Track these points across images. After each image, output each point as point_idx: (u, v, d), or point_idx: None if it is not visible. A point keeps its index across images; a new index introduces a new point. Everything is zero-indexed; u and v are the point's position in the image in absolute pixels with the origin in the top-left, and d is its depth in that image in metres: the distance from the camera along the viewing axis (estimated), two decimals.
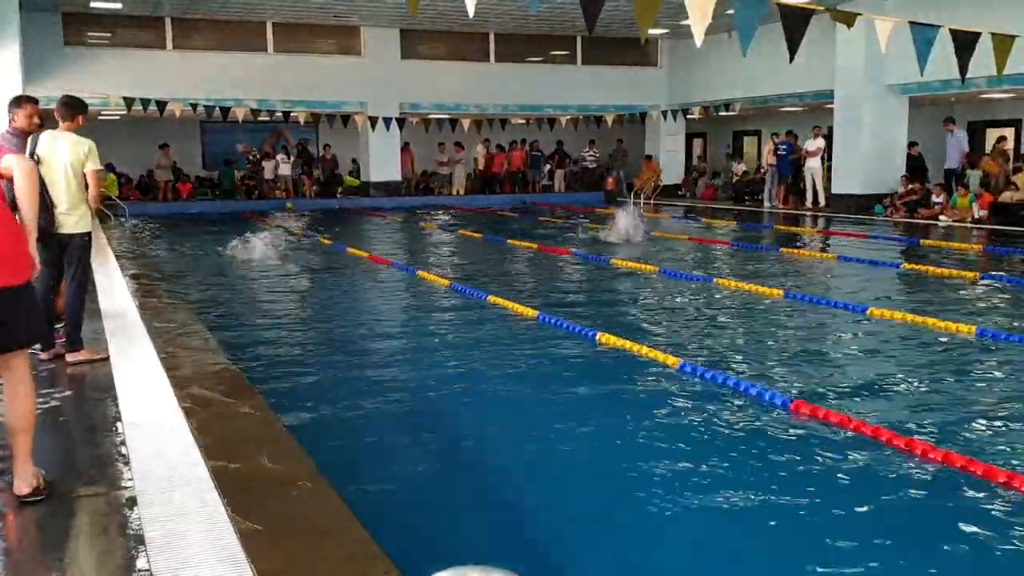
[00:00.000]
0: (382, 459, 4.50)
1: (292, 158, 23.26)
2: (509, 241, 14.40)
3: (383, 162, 22.91)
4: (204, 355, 5.53)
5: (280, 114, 20.75)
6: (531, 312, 7.89)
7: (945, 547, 3.47)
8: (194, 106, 19.39)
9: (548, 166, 25.79)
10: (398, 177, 23.36)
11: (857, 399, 5.39)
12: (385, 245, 14.79)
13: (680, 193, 24.34)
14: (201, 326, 6.46)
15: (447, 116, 22.76)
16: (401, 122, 22.03)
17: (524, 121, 25.34)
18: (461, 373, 6.05)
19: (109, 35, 20.24)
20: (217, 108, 19.68)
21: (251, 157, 23.69)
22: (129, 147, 22.44)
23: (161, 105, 18.16)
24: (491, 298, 8.69)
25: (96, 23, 20.05)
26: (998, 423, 4.92)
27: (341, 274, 9.45)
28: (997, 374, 5.98)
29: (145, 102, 17.71)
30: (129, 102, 17.46)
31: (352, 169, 24.26)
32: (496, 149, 25.04)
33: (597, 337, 6.87)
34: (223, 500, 3.19)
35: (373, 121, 21.41)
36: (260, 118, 21.09)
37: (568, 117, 22.79)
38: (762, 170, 21.62)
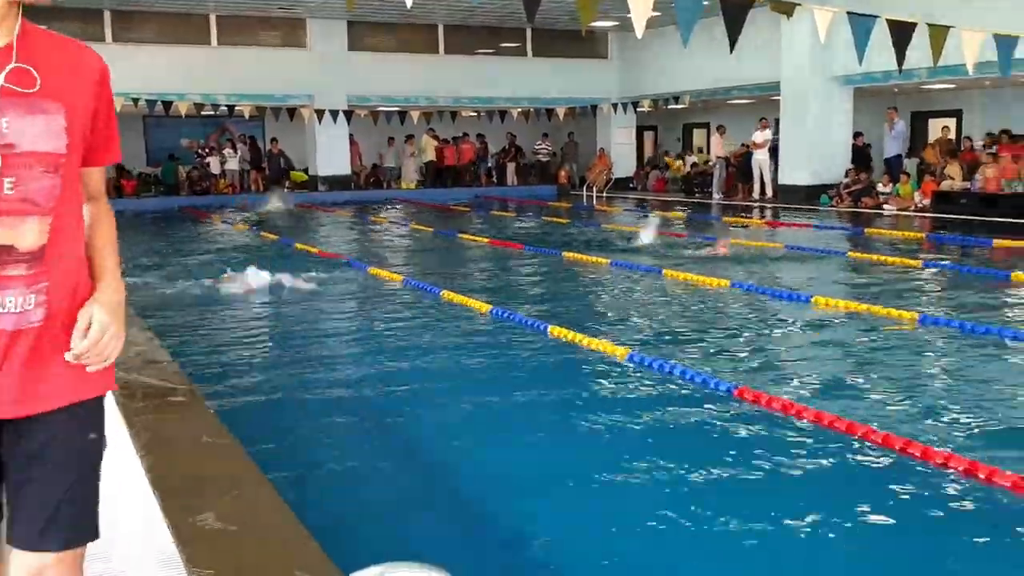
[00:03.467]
0: (327, 456, 4.43)
1: (238, 153, 22.92)
2: (461, 236, 14.34)
3: (331, 156, 22.69)
4: (143, 349, 5.41)
5: (225, 108, 20.44)
6: (484, 306, 7.87)
7: (886, 527, 3.52)
8: (135, 100, 19.00)
9: (492, 160, 25.64)
10: (347, 171, 23.15)
11: (800, 385, 5.47)
12: (335, 240, 14.63)
13: (632, 186, 24.48)
14: (139, 320, 6.32)
15: (396, 109, 22.63)
16: (349, 115, 21.85)
17: (475, 114, 25.28)
18: (413, 368, 6.00)
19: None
20: (159, 102, 19.33)
21: (197, 152, 23.30)
22: None
23: None
24: (444, 293, 8.65)
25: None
26: (938, 407, 5.02)
27: (289, 271, 9.32)
28: (937, 359, 6.10)
29: None
30: None
31: (295, 166, 23.91)
32: (449, 141, 24.89)
33: (549, 330, 6.87)
34: (159, 502, 3.11)
35: (320, 114, 21.21)
36: (205, 112, 20.78)
37: (519, 110, 22.79)
38: (710, 162, 21.82)
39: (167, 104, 19.60)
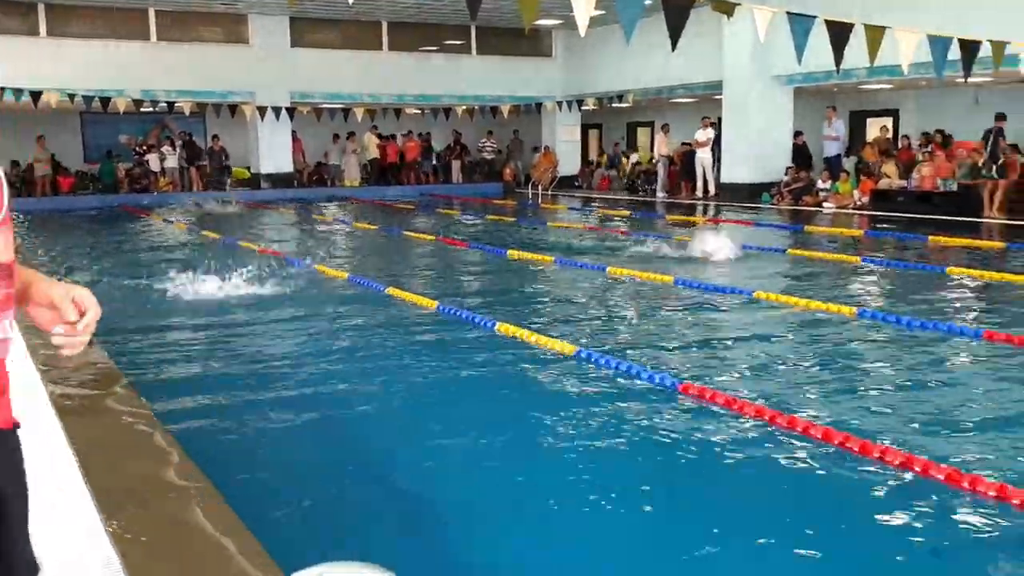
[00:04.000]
0: (269, 456, 4.36)
1: (177, 150, 22.47)
2: (406, 233, 14.26)
3: (274, 153, 22.38)
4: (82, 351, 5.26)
5: (165, 105, 20.04)
6: (431, 303, 7.83)
7: (825, 519, 3.58)
8: (71, 96, 18.52)
9: (437, 158, 25.50)
10: (290, 168, 22.86)
11: (743, 379, 5.54)
12: (278, 238, 14.43)
13: (577, 184, 24.60)
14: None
15: (340, 106, 22.40)
16: (292, 112, 21.59)
17: (419, 111, 25.16)
18: (358, 365, 5.94)
19: None
20: (97, 99, 18.88)
21: (135, 149, 22.80)
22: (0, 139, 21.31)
23: (35, 95, 17.29)
24: (390, 289, 8.59)
25: None
26: (876, 400, 5.13)
27: (231, 269, 9.15)
28: (875, 353, 6.23)
29: (17, 92, 16.82)
30: None
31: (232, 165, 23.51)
32: (392, 139, 24.70)
33: (496, 327, 6.86)
34: (99, 507, 3.03)
35: (262, 111, 20.94)
36: (144, 109, 20.34)
37: (464, 107, 22.73)
38: (654, 160, 22.03)
39: (105, 101, 19.12)
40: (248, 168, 23.17)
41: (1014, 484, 3.66)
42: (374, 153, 24.38)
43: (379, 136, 24.43)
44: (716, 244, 10.36)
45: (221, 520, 2.97)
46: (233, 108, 21.26)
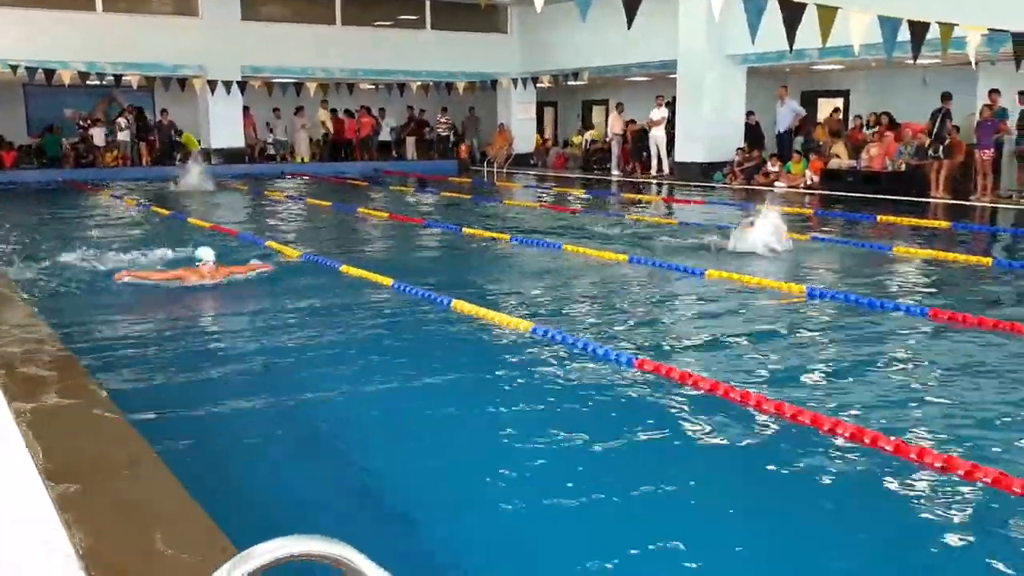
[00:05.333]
0: (221, 435, 4.32)
1: (130, 124, 21.92)
2: (360, 210, 14.14)
3: (224, 128, 21.95)
4: (27, 330, 5.15)
5: (112, 78, 19.53)
6: (386, 280, 7.79)
7: (777, 491, 3.65)
8: (14, 68, 17.98)
9: (393, 134, 25.21)
10: (241, 144, 22.46)
11: (697, 355, 5.61)
12: (230, 215, 14.21)
13: (532, 162, 24.57)
14: (21, 300, 6.01)
15: (292, 80, 22.05)
16: (243, 86, 21.21)
17: (373, 87, 24.88)
18: (312, 342, 5.88)
19: None
20: (40, 70, 18.35)
21: (79, 123, 22.23)
22: None
23: None
24: (344, 267, 8.52)
25: None
26: (825, 375, 5.23)
27: (181, 247, 8.99)
28: (823, 329, 6.34)
29: None
30: None
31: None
32: (345, 115, 24.40)
33: (451, 304, 6.85)
34: (48, 486, 2.97)
35: (212, 85, 20.53)
36: (90, 82, 19.81)
37: (418, 83, 22.49)
38: (607, 139, 22.08)
39: (49, 73, 18.59)
40: (199, 140, 22.66)
41: (960, 456, 3.77)
42: (327, 128, 24.08)
43: (332, 112, 24.12)
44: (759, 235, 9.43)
45: (174, 498, 2.94)
46: (183, 82, 20.81)
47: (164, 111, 22.58)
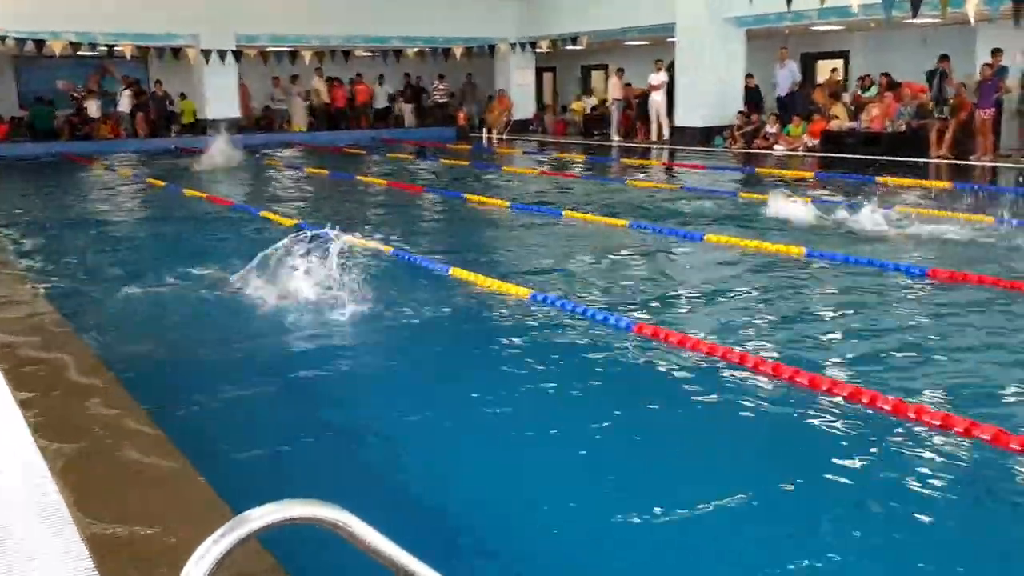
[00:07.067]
0: (219, 404, 4.32)
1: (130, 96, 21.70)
2: (359, 178, 14.07)
3: (220, 98, 21.73)
4: (24, 306, 5.14)
5: (104, 48, 19.33)
6: (385, 248, 7.76)
7: (774, 451, 3.66)
8: (3, 39, 17.80)
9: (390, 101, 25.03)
10: (237, 114, 22.25)
11: (696, 319, 5.61)
12: (226, 185, 14.14)
13: (531, 128, 24.40)
14: (20, 276, 6.00)
15: (287, 49, 21.81)
16: (238, 55, 21.01)
17: (369, 54, 24.64)
18: (310, 313, 5.86)
19: None
20: (30, 41, 18.16)
21: (72, 95, 22.04)
22: None
23: None
24: (339, 235, 8.46)
25: None
26: (823, 336, 5.22)
27: (174, 218, 8.94)
28: (822, 290, 6.33)
29: None
30: None
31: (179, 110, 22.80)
32: (342, 82, 24.19)
33: (450, 272, 6.83)
34: (44, 454, 2.97)
35: (207, 54, 20.35)
36: (81, 52, 19.61)
37: (415, 50, 22.25)
38: (608, 104, 21.91)
39: (39, 43, 18.40)
40: (194, 113, 22.48)
41: (958, 413, 3.77)
42: (324, 97, 23.89)
43: (328, 80, 23.92)
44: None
45: (168, 461, 2.94)
46: (176, 51, 20.61)
47: (159, 82, 22.38)
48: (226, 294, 6.30)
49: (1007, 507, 3.19)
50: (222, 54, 20.50)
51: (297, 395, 4.51)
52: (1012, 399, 4.14)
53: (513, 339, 5.23)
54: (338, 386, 4.62)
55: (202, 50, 20.45)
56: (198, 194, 12.12)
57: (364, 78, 24.47)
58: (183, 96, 22.48)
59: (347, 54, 23.13)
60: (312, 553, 2.35)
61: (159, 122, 22.14)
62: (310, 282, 6.21)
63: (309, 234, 6.22)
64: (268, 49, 21.68)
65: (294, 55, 21.90)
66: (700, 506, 3.16)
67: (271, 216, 9.95)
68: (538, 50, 24.01)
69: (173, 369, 4.86)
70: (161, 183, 13.80)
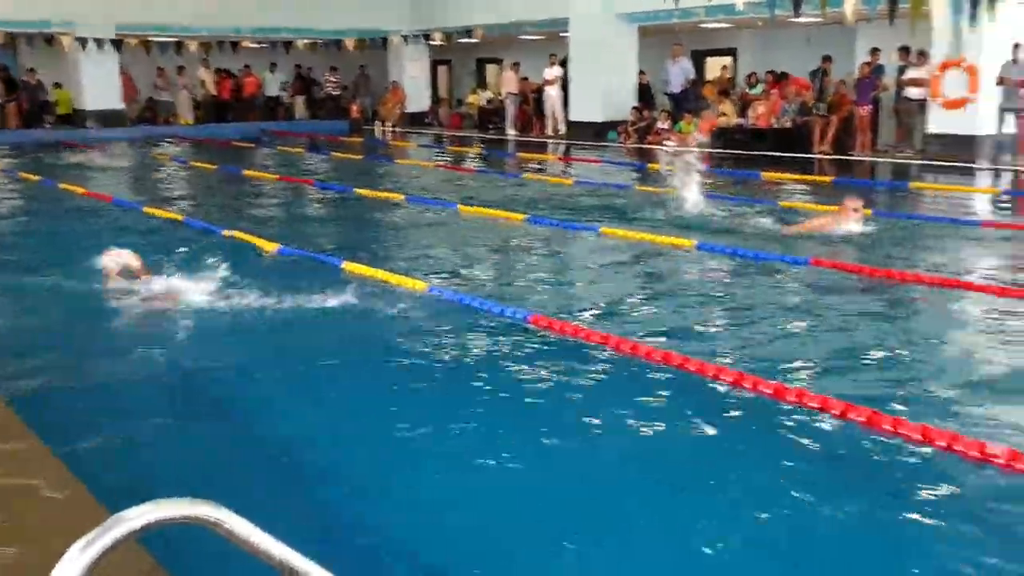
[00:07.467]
0: (96, 403, 4.13)
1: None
2: (247, 172, 13.70)
3: (100, 89, 20.78)
4: None
5: None
6: (272, 245, 7.57)
7: (666, 436, 3.72)
8: None
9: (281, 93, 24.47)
10: (119, 105, 21.33)
11: (591, 311, 5.66)
12: (105, 180, 13.55)
13: (427, 121, 24.27)
14: None
15: (172, 39, 21.04)
16: (118, 44, 20.15)
17: (257, 45, 24.01)
18: (195, 309, 5.66)
19: None
20: None
21: None
22: None
23: None
24: (227, 232, 8.24)
25: None
26: (712, 324, 5.36)
27: (47, 214, 8.48)
28: (711, 281, 6.49)
29: None
30: None
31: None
32: (226, 74, 23.50)
33: (343, 266, 6.71)
34: None
35: (83, 42, 19.44)
36: None
37: (305, 41, 21.80)
38: (503, 98, 21.96)
39: None
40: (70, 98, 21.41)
41: (835, 397, 3.92)
42: (211, 90, 23.16)
43: (216, 71, 23.21)
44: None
45: (44, 466, 2.80)
46: (50, 39, 19.60)
47: (31, 70, 21.25)
48: (105, 294, 6.01)
49: (872, 485, 3.33)
50: (99, 42, 19.61)
51: (181, 397, 4.36)
52: (887, 383, 4.33)
53: (409, 333, 5.17)
54: (223, 387, 4.48)
55: (77, 38, 19.51)
56: (75, 189, 11.56)
57: (253, 69, 23.82)
58: (58, 86, 21.44)
59: (235, 45, 22.49)
60: (197, 553, 2.26)
61: (32, 113, 21.02)
62: (194, 280, 6.01)
63: (193, 230, 5.99)
64: (151, 39, 20.86)
65: (180, 45, 21.14)
66: (589, 489, 3.19)
67: (154, 211, 9.58)
68: (432, 43, 23.88)
69: (44, 374, 4.61)
70: (35, 177, 13.11)
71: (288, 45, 22.50)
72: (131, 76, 22.04)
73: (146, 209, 9.74)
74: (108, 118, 20.91)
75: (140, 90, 22.63)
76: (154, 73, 22.41)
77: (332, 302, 5.83)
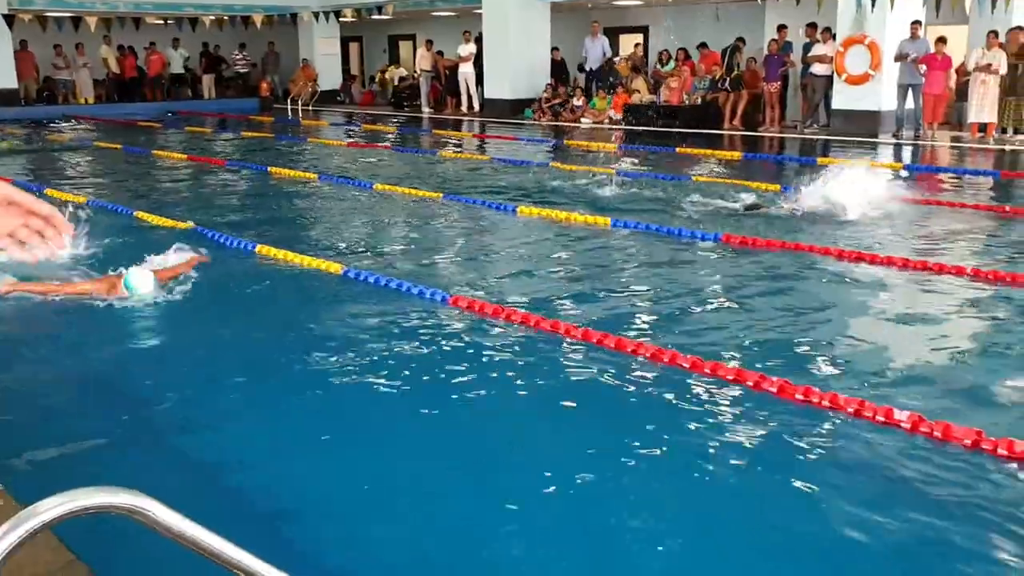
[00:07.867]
0: (10, 398, 3.98)
1: None
2: (155, 152, 13.28)
3: None
4: None
5: None
6: (184, 226, 7.37)
7: (588, 414, 3.78)
8: None
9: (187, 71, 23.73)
10: (13, 84, 20.34)
11: (510, 290, 5.69)
12: (0, 163, 12.95)
13: (339, 99, 23.87)
14: None
15: (69, 14, 20.16)
16: (10, 20, 19.22)
17: (161, 21, 23.21)
18: (99, 302, 5.47)
19: None
20: None
21: None
22: None
23: None
24: (138, 213, 7.99)
25: None
26: (628, 300, 5.45)
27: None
28: (628, 258, 6.59)
29: None
30: None
31: None
32: (129, 51, 22.66)
33: (256, 249, 6.59)
34: None
35: None
36: None
37: (212, 17, 21.18)
38: (417, 75, 21.76)
39: None
40: None
41: (744, 367, 4.04)
42: (113, 66, 22.29)
43: (119, 49, 22.34)
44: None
45: None
46: None
47: None
48: None
49: (777, 447, 3.45)
50: None
51: (93, 389, 4.22)
52: (798, 352, 4.48)
53: (325, 316, 5.11)
54: (135, 377, 4.35)
55: None
56: None
57: (158, 47, 23.02)
58: None
59: (137, 21, 21.68)
60: (119, 545, 2.21)
61: None
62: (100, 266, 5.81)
63: (94, 213, 5.79)
64: (46, 14, 19.94)
65: (78, 21, 20.25)
66: (511, 472, 3.23)
67: (55, 195, 9.20)
68: (343, 19, 23.45)
69: None
70: None
71: (194, 22, 21.78)
72: (33, 53, 21.00)
73: (48, 191, 9.35)
74: (1, 97, 19.93)
75: (40, 67, 21.62)
76: (52, 51, 21.44)
77: (245, 286, 5.73)
